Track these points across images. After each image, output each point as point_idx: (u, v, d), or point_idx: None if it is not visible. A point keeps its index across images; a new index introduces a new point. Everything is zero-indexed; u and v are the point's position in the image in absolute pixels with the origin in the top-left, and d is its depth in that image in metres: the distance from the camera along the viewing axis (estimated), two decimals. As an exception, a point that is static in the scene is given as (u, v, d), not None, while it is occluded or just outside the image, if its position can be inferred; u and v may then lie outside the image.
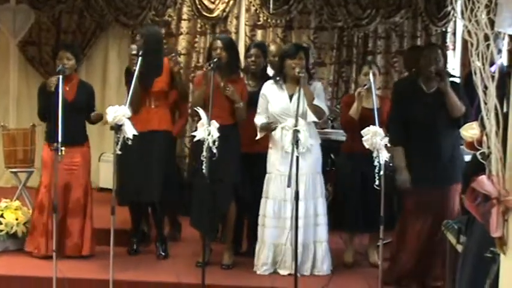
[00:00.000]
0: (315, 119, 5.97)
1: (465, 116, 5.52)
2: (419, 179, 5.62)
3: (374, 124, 5.28)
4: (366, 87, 5.99)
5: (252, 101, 6.19)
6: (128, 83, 6.33)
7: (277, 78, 6.10)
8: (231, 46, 6.32)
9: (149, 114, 6.40)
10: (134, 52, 6.26)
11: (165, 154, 6.46)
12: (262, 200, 6.05)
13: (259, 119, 6.07)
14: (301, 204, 5.64)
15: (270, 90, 6.09)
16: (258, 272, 6.02)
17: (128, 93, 5.84)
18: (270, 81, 6.16)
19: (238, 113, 6.12)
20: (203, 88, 6.08)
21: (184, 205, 6.49)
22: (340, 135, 7.22)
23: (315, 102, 5.91)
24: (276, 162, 5.99)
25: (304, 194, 5.82)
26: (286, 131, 5.87)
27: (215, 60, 5.96)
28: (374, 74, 6.00)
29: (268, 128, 5.97)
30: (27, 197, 7.51)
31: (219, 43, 6.19)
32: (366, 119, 5.85)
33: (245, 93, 6.25)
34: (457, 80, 5.89)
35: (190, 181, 6.17)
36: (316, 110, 5.92)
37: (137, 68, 5.79)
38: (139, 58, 5.90)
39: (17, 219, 6.56)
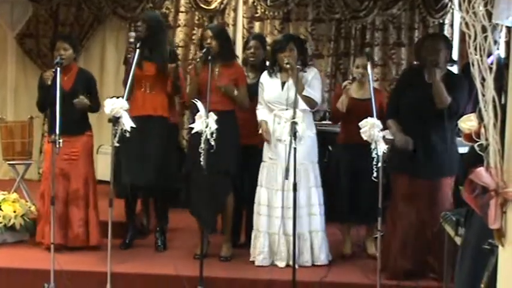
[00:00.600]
0: (307, 108, 5.99)
1: (450, 109, 5.51)
2: (410, 169, 5.62)
3: (362, 115, 5.30)
4: (350, 80, 6.09)
5: (252, 93, 6.21)
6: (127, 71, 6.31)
7: (271, 70, 6.15)
8: (221, 34, 6.31)
9: (145, 99, 6.39)
10: (131, 40, 6.26)
11: (162, 139, 6.43)
12: (257, 188, 6.10)
13: (261, 113, 6.12)
14: (292, 194, 5.66)
15: (265, 79, 6.17)
16: (255, 263, 6.04)
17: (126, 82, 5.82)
18: (266, 71, 6.22)
19: (239, 100, 6.13)
20: (195, 80, 6.14)
21: (182, 197, 6.49)
22: (337, 126, 7.22)
23: (306, 91, 5.95)
24: (270, 151, 6.05)
25: (298, 184, 5.81)
26: (279, 119, 5.93)
27: (204, 51, 6.00)
28: (371, 66, 6.02)
29: (265, 135, 6.03)
30: (25, 189, 7.50)
31: (209, 33, 6.21)
32: (354, 110, 5.91)
33: (242, 77, 6.27)
34: (455, 71, 5.87)
35: (188, 173, 6.16)
36: (307, 100, 5.96)
37: (136, 57, 5.82)
38: (137, 49, 5.94)
39: (14, 212, 6.57)
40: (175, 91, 6.56)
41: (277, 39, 6.54)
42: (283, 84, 6.04)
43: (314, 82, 6.09)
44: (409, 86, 5.76)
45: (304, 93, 5.93)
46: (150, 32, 6.39)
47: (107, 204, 5.23)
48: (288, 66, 5.86)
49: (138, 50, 5.94)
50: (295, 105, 5.56)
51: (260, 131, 6.09)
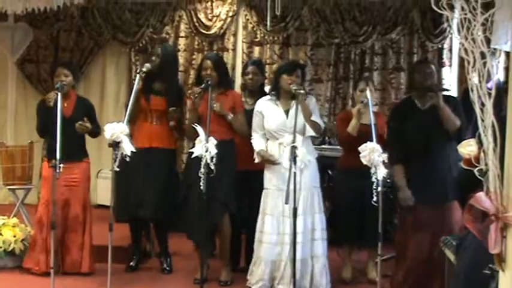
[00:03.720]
0: (314, 134, 5.99)
1: (460, 130, 5.51)
2: (417, 197, 5.61)
3: (370, 139, 5.30)
4: (364, 103, 6.01)
5: (251, 119, 6.20)
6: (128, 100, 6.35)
7: (273, 93, 6.10)
8: (220, 65, 6.34)
9: (151, 131, 6.44)
10: (144, 70, 6.29)
11: (166, 171, 6.50)
12: (260, 216, 5.99)
13: (257, 143, 6.03)
14: (300, 219, 5.64)
15: (265, 106, 6.08)
16: (253, 288, 6.00)
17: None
18: (265, 98, 6.16)
19: (236, 125, 6.14)
20: (193, 114, 6.25)
21: (180, 221, 6.49)
22: (336, 151, 7.23)
23: (313, 116, 5.92)
24: (274, 178, 5.96)
25: (303, 210, 5.79)
26: (284, 147, 5.86)
27: (203, 86, 6.05)
28: (370, 90, 6.04)
29: (268, 160, 5.96)
30: (25, 214, 7.50)
31: (208, 63, 6.21)
32: (362, 134, 5.89)
33: (239, 103, 6.28)
34: (453, 94, 5.86)
35: (186, 197, 6.17)
36: (314, 125, 5.94)
37: (136, 84, 5.87)
38: (137, 76, 5.99)
39: (14, 236, 6.55)
40: (178, 133, 6.69)
41: (284, 63, 6.45)
42: (286, 112, 5.99)
43: (314, 108, 6.07)
44: (404, 119, 5.76)
45: (312, 118, 5.93)
46: (163, 67, 6.43)
47: (107, 229, 5.23)
48: (301, 92, 5.74)
49: (138, 78, 5.97)
50: (294, 129, 5.55)
51: (257, 160, 6.01)
